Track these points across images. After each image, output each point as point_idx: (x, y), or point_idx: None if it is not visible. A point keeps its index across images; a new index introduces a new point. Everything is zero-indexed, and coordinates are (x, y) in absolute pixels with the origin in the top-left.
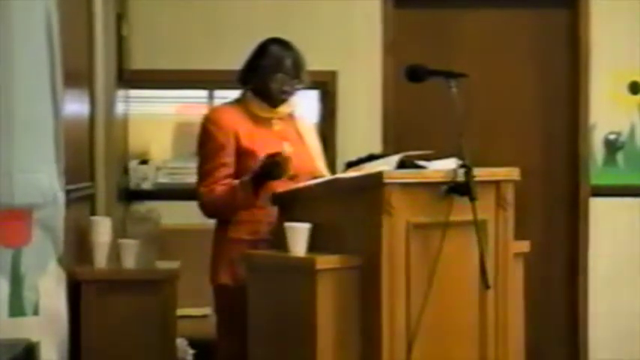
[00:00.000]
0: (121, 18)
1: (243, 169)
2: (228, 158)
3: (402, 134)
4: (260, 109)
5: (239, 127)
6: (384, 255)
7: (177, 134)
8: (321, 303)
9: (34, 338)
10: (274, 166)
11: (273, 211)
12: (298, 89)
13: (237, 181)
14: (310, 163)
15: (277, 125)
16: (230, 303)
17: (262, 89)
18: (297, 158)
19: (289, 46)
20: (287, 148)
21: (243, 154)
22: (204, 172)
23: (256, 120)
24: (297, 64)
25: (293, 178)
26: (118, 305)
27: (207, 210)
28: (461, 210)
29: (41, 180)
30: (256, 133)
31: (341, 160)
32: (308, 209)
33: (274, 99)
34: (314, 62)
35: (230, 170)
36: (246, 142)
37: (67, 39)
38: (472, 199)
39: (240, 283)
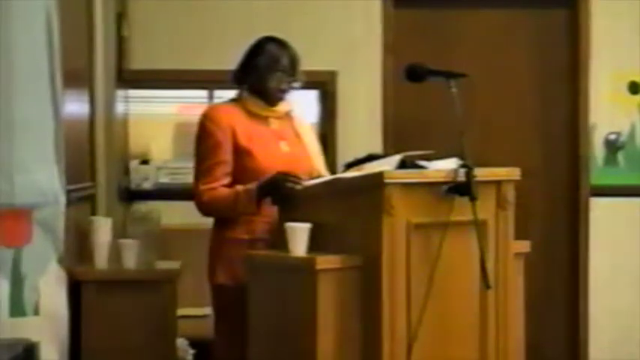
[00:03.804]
0: (121, 18)
1: (239, 167)
2: (226, 156)
3: (402, 134)
4: (257, 107)
5: (237, 125)
6: (384, 255)
7: (178, 134)
8: (322, 303)
9: (34, 338)
10: (284, 184)
11: (271, 210)
12: (295, 87)
13: (240, 187)
14: (307, 163)
15: (274, 124)
16: (228, 303)
17: (260, 88)
18: (294, 158)
19: (285, 44)
20: (284, 148)
21: (240, 152)
22: (202, 170)
23: (254, 118)
24: (294, 62)
25: None
26: (118, 305)
27: (205, 210)
28: (461, 210)
29: (41, 180)
30: (254, 132)
31: (341, 160)
32: (308, 209)
33: (272, 97)
34: (314, 62)
35: (228, 168)
36: (243, 141)
37: (67, 39)
38: (472, 198)
39: (238, 282)
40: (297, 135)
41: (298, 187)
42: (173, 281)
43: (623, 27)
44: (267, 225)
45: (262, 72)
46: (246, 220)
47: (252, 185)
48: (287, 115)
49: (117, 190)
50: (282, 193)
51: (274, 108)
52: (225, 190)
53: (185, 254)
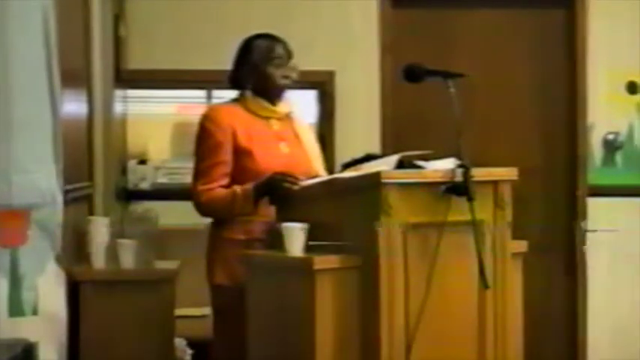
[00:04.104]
0: (118, 18)
1: (239, 167)
2: (226, 156)
3: (400, 134)
4: (259, 107)
5: (237, 126)
6: (382, 255)
7: (176, 134)
8: (320, 303)
9: (32, 338)
10: (281, 185)
11: (268, 210)
12: (295, 77)
13: (238, 187)
14: (307, 164)
15: (275, 125)
16: (226, 303)
17: (262, 83)
18: (294, 159)
19: (274, 36)
20: (284, 149)
21: (240, 153)
22: (201, 170)
23: (254, 119)
24: (287, 49)
25: None
26: (117, 305)
27: (204, 210)
28: (459, 210)
29: (39, 180)
30: (254, 133)
31: (339, 160)
32: (306, 209)
33: (276, 88)
34: (312, 62)
35: (227, 169)
36: (243, 142)
37: (64, 39)
38: (470, 199)
39: (236, 282)
40: (297, 136)
41: (295, 187)
42: (171, 281)
43: (621, 27)
44: (265, 225)
45: (260, 66)
46: (243, 220)
47: (249, 185)
48: (287, 117)
49: (114, 190)
50: (279, 193)
51: (276, 108)
52: (223, 191)
53: (183, 254)
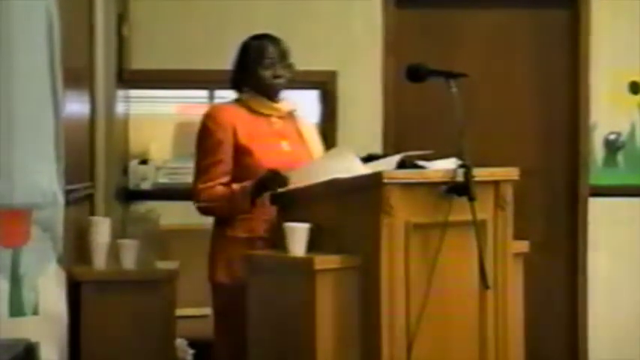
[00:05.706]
0: (121, 18)
1: (240, 166)
2: (226, 155)
3: (402, 134)
4: (260, 105)
5: (238, 125)
6: (383, 255)
7: (178, 134)
8: (321, 303)
9: (33, 338)
10: (274, 181)
11: (270, 209)
12: (290, 75)
13: (237, 186)
14: None
15: (277, 124)
16: (227, 302)
17: (257, 83)
18: (296, 157)
19: (269, 36)
20: (285, 147)
21: (240, 151)
22: (201, 168)
23: (256, 118)
24: (281, 49)
25: None
26: (118, 305)
27: (203, 208)
28: (460, 210)
29: (41, 180)
30: (255, 131)
31: None
32: (307, 209)
33: (270, 87)
34: (314, 62)
35: (227, 167)
36: (244, 140)
37: (67, 39)
38: (471, 199)
39: (237, 281)
40: (300, 135)
41: (290, 187)
42: (172, 281)
43: (623, 27)
44: (268, 224)
45: (253, 66)
46: (246, 219)
47: (247, 183)
48: (290, 115)
49: (116, 190)
50: (270, 190)
51: (277, 105)
52: (222, 189)
53: (184, 254)
